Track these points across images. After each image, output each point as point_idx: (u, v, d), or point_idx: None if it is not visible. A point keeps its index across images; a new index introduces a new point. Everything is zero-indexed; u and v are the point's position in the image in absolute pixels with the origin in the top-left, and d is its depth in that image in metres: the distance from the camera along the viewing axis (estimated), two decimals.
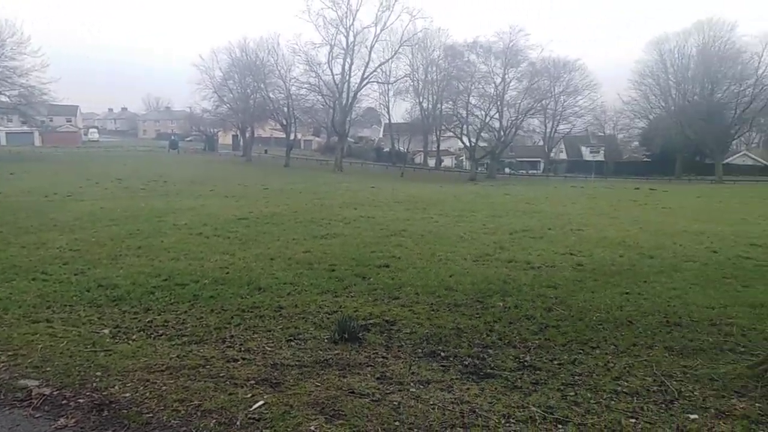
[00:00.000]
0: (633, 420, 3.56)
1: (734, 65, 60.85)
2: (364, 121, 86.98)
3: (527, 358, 4.79)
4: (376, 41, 61.29)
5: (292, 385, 4.09)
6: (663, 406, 3.80)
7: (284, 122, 63.43)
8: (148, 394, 3.88)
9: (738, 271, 8.79)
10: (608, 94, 73.35)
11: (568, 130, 77.02)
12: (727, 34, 61.55)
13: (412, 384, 4.15)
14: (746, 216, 18.06)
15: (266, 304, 6.49)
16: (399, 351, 4.97)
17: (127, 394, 3.89)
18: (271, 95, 62.41)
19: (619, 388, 4.09)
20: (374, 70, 63.43)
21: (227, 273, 8.10)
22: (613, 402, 3.85)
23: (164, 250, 9.95)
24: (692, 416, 3.60)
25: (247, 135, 67.82)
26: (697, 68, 63.12)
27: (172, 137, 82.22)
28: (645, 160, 75.28)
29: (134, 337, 5.29)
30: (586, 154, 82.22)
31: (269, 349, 4.97)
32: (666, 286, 7.64)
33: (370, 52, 61.38)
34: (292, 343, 5.14)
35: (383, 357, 4.80)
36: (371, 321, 5.82)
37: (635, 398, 3.92)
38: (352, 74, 62.28)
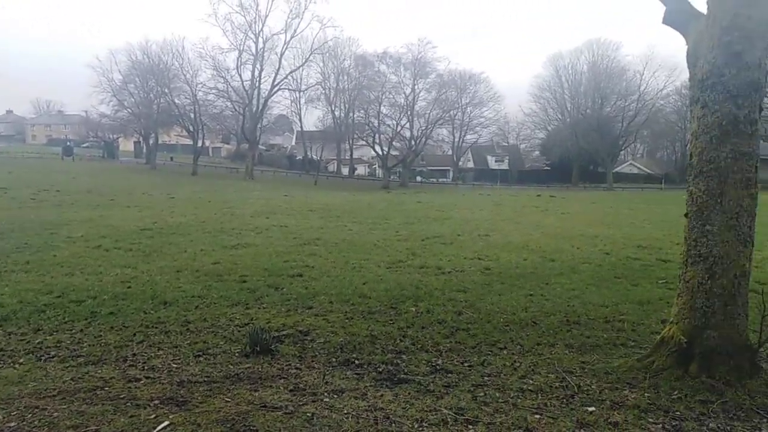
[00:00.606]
0: (538, 416, 3.74)
1: (620, 82, 66.57)
2: (276, 129, 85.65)
3: (439, 362, 4.90)
4: (286, 48, 60.67)
5: (200, 402, 3.91)
6: (564, 400, 4.03)
7: (191, 128, 60.91)
8: (36, 422, 3.55)
9: (628, 271, 9.54)
10: (511, 106, 77.50)
11: (474, 140, 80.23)
12: (613, 53, 67.27)
13: (326, 394, 4.11)
14: (633, 220, 19.69)
15: (172, 318, 6.17)
16: (313, 361, 4.91)
17: (13, 423, 3.53)
18: (176, 100, 59.71)
19: (525, 386, 4.28)
20: (285, 77, 62.77)
21: (129, 287, 7.62)
22: (519, 400, 4.03)
23: (57, 264, 9.19)
24: (590, 409, 3.85)
25: (151, 141, 64.34)
26: (589, 84, 68.23)
27: (67, 143, 76.33)
28: (545, 168, 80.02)
29: (21, 360, 4.82)
30: (492, 162, 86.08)
31: (175, 366, 4.72)
32: (566, 287, 8.14)
33: (280, 59, 60.66)
34: (201, 359, 4.91)
35: (297, 368, 4.71)
36: (284, 332, 5.70)
37: (539, 395, 4.12)
38: (263, 81, 61.22)
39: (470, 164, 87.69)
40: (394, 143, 64.87)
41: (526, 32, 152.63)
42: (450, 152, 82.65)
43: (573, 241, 13.27)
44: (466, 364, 4.85)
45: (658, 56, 79.04)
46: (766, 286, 8.12)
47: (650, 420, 3.70)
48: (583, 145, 65.26)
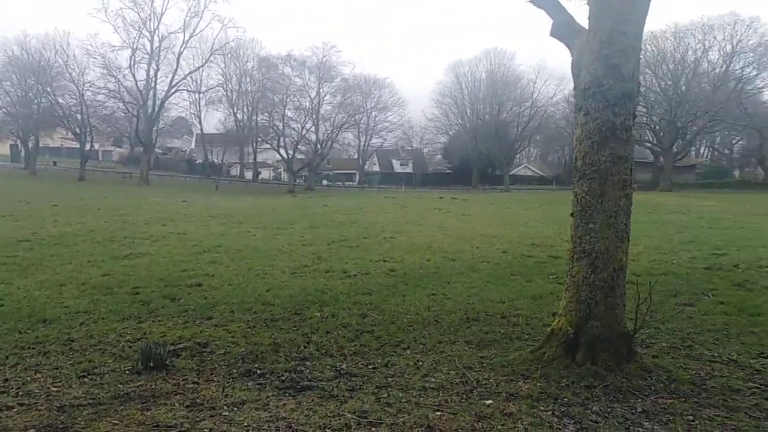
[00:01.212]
0: (439, 413, 3.83)
1: (515, 89, 70.61)
2: (173, 131, 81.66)
3: (344, 366, 4.88)
4: (184, 48, 58.12)
5: (83, 427, 3.61)
6: (464, 396, 4.16)
7: (77, 131, 56.41)
8: None
9: (522, 269, 10.08)
10: (415, 111, 79.45)
11: (380, 144, 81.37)
12: (508, 62, 71.17)
13: (225, 407, 3.94)
14: (528, 220, 20.88)
15: (53, 337, 5.65)
16: (212, 374, 4.70)
17: None
18: (60, 100, 55.05)
19: (427, 385, 4.38)
20: (183, 78, 60.20)
21: (2, 305, 6.90)
22: (421, 398, 4.10)
23: None
24: (488, 402, 4.00)
25: (31, 145, 58.79)
26: (487, 90, 71.65)
27: None
28: (447, 171, 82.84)
29: None
30: (397, 166, 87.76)
31: (55, 389, 4.32)
32: (466, 286, 8.45)
33: (178, 59, 58.00)
34: (85, 380, 4.54)
35: (194, 382, 4.48)
36: (181, 345, 5.41)
37: (441, 392, 4.23)
38: (159, 81, 58.16)
39: (376, 168, 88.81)
40: (299, 147, 64.19)
41: (429, 37, 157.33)
42: (356, 156, 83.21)
43: (473, 241, 13.82)
44: (370, 367, 4.87)
45: (548, 67, 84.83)
46: (641, 277, 8.94)
47: (541, 408, 3.92)
48: (482, 149, 68.37)
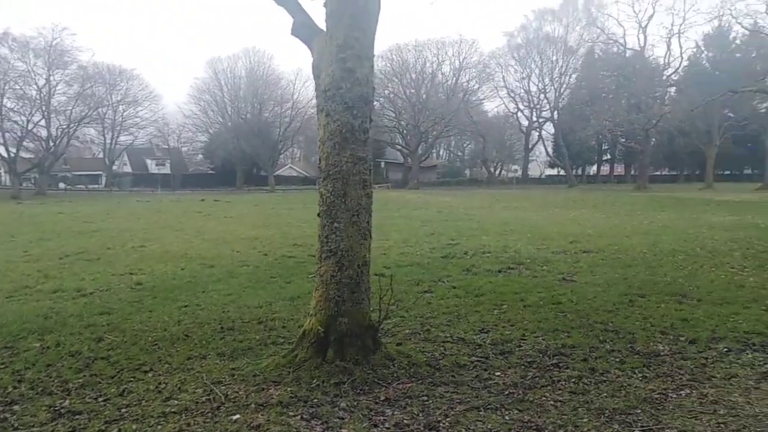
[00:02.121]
0: None
1: (276, 89, 70.98)
2: None
3: (65, 404, 4.14)
4: None
5: None
6: (210, 415, 3.87)
7: None
8: None
9: (283, 270, 10.06)
10: (171, 106, 74.11)
11: (130, 142, 73.88)
12: (268, 62, 71.18)
13: None
14: (291, 220, 21.12)
15: None
16: None
17: None
18: None
19: (169, 409, 3.96)
20: None
21: None
22: (160, 426, 3.70)
23: None
24: (234, 417, 3.79)
25: None
26: (248, 89, 70.55)
27: None
28: (210, 172, 79.39)
29: None
30: (152, 166, 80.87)
31: None
32: (222, 293, 8.05)
33: None
34: None
35: None
36: None
37: (184, 415, 3.87)
38: None
39: (127, 168, 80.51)
40: (25, 144, 54.25)
41: (190, 33, 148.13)
42: (101, 155, 74.10)
43: (234, 245, 13.36)
44: (100, 399, 4.22)
45: (307, 68, 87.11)
46: (390, 269, 9.70)
47: (291, 414, 3.86)
48: (245, 148, 67.09)
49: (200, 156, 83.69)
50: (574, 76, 67.64)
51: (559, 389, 4.36)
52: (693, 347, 5.34)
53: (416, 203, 31.61)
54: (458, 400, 4.17)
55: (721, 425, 3.69)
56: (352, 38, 4.97)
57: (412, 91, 65.29)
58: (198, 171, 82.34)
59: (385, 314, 5.29)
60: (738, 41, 55.88)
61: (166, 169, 77.36)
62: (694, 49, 59.27)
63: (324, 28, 5.18)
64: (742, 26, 42.41)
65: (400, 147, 69.48)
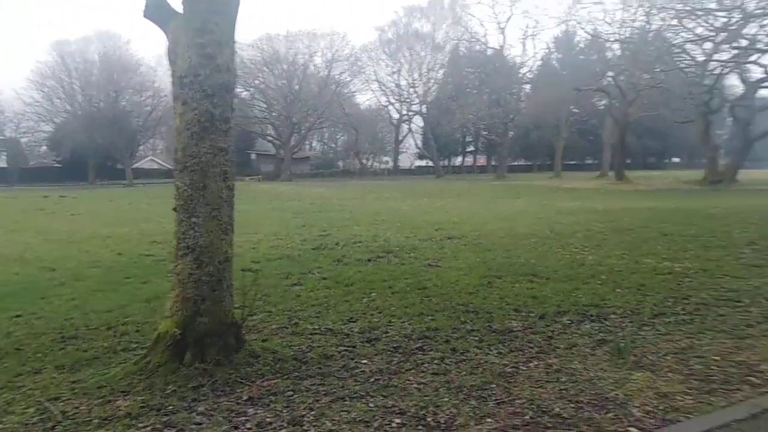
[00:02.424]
0: None
1: (135, 76, 65.48)
2: None
3: None
4: None
5: None
6: None
7: None
8: None
9: (139, 270, 9.30)
10: (8, 92, 65.23)
11: None
12: (124, 46, 65.51)
13: None
14: (151, 216, 19.69)
15: None
16: None
17: None
18: None
19: None
20: None
21: None
22: None
23: None
24: None
25: None
26: (101, 75, 64.29)
27: None
28: (56, 165, 71.41)
29: None
30: None
31: None
32: (66, 299, 7.23)
33: None
34: None
35: None
36: None
37: None
38: None
39: None
40: None
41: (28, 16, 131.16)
42: None
43: (82, 245, 12.11)
44: None
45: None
46: (260, 263, 9.41)
47: (141, 425, 3.54)
48: (98, 139, 61.14)
49: (44, 148, 74.89)
50: (441, 71, 70.74)
51: (423, 371, 4.49)
52: (542, 322, 5.80)
53: (288, 195, 31.14)
54: (324, 392, 4.11)
55: (563, 391, 4.03)
56: (212, 23, 4.66)
57: (284, 81, 64.03)
58: (42, 164, 73.64)
59: (251, 310, 5.09)
60: (581, 45, 62.15)
61: (3, 163, 68.26)
62: (546, 50, 65.02)
63: (180, 11, 4.81)
64: (585, 31, 47.23)
65: (271, 138, 67.93)
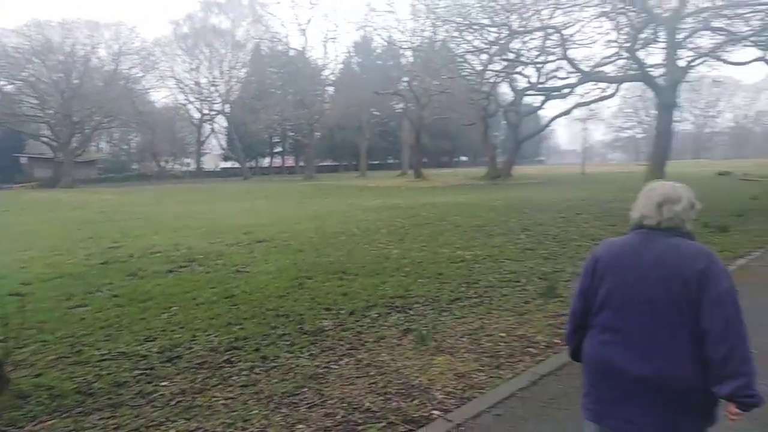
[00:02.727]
0: None
1: None
2: None
3: None
4: None
5: None
6: None
7: None
8: None
9: None
10: None
11: None
12: None
13: None
14: None
15: None
16: None
17: None
18: None
19: None
20: None
21: None
22: None
23: None
24: None
25: None
26: None
27: None
28: None
29: None
30: None
31: None
32: None
33: None
34: None
35: None
36: None
37: None
38: None
39: None
40: None
41: None
42: None
43: None
44: None
45: None
46: (33, 285, 8.04)
47: None
48: None
49: None
50: (243, 70, 68.80)
51: (230, 385, 4.22)
52: (352, 318, 5.90)
53: (71, 204, 27.38)
54: (114, 426, 3.62)
55: (373, 385, 4.12)
56: None
57: (60, 75, 55.99)
58: None
59: (17, 342, 4.27)
60: (379, 50, 65.69)
61: None
62: (347, 54, 67.37)
63: None
64: (381, 38, 50.00)
65: (47, 139, 59.08)
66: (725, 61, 21.35)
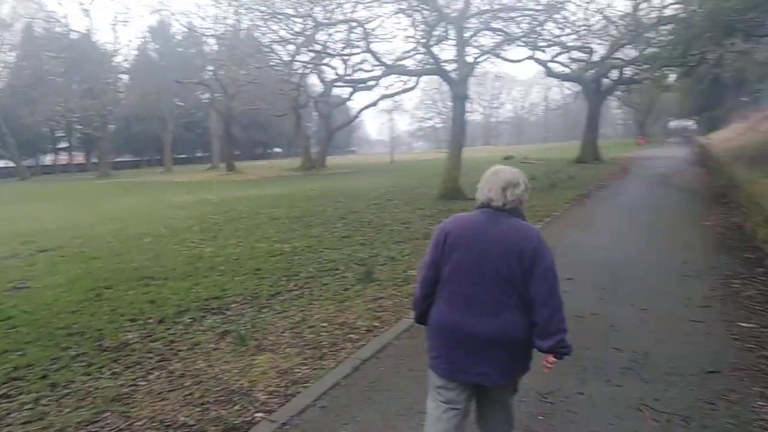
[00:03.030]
0: None
1: None
2: None
3: None
4: None
5: None
6: None
7: None
8: None
9: None
10: None
11: None
12: None
13: None
14: None
15: None
16: None
17: None
18: None
19: None
20: None
21: None
22: None
23: None
24: None
25: None
26: None
27: None
28: None
29: None
30: None
31: None
32: None
33: None
34: None
35: None
36: None
37: None
38: None
39: None
40: None
41: None
42: None
43: None
44: None
45: None
46: None
47: None
48: None
49: None
50: (13, 53, 58.68)
51: (9, 425, 3.53)
52: (161, 327, 5.39)
53: None
54: None
55: (188, 396, 3.79)
56: None
57: None
58: None
59: None
60: (179, 36, 61.14)
61: None
62: (142, 39, 61.42)
63: None
64: (180, 23, 46.54)
65: None
66: (504, 59, 24.55)
